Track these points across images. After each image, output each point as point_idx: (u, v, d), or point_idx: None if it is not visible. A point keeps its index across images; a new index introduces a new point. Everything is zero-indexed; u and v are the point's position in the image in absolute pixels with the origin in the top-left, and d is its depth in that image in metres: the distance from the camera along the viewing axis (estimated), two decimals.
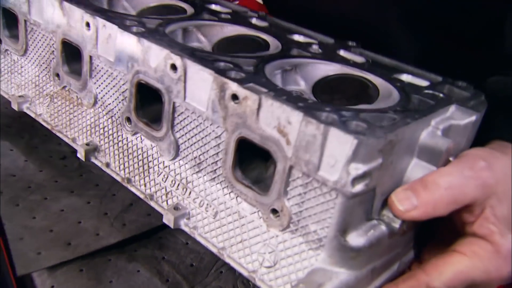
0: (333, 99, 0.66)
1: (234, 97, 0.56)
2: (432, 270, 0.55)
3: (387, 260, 0.59)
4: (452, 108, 0.61)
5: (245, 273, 0.58)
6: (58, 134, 0.83)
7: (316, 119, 0.49)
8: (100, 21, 0.71)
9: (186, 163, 0.66)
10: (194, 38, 0.81)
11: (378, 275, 0.59)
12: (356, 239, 0.53)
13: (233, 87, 0.56)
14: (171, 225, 0.64)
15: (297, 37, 0.82)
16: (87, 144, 0.76)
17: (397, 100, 0.61)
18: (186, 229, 0.64)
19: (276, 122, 0.52)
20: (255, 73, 0.60)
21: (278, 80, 0.66)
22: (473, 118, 0.61)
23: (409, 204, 0.53)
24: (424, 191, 0.53)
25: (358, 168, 0.48)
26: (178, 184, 0.67)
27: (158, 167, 0.69)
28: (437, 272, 0.55)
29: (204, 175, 0.64)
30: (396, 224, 0.54)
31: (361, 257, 0.54)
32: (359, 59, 0.74)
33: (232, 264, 0.59)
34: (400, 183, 0.57)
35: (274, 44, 0.77)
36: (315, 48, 0.76)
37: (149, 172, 0.70)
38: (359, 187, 0.49)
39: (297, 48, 0.74)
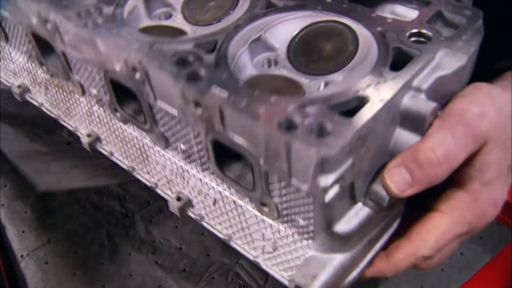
0: (310, 62, 0.61)
1: (197, 104, 0.53)
2: (416, 238, 0.56)
3: (384, 225, 0.59)
4: (440, 54, 0.55)
5: (250, 258, 0.61)
6: (62, 123, 0.84)
7: (278, 129, 0.46)
8: (56, 17, 0.67)
9: (178, 154, 0.66)
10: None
11: (377, 241, 0.60)
12: (343, 226, 0.54)
13: (192, 94, 0.53)
14: (178, 215, 0.67)
15: None
16: (88, 135, 0.78)
17: (374, 59, 0.55)
18: (193, 216, 0.67)
19: (242, 130, 0.50)
20: (216, 65, 0.56)
21: (246, 57, 0.61)
22: (463, 62, 0.54)
23: (404, 183, 0.51)
24: (418, 169, 0.51)
25: (327, 178, 0.46)
26: (176, 173, 0.68)
27: (155, 155, 0.70)
28: (421, 240, 0.55)
29: (196, 166, 0.65)
30: (384, 202, 0.54)
31: (353, 238, 0.55)
32: None
33: (238, 249, 0.62)
34: (385, 155, 0.55)
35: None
36: None
37: (148, 161, 0.72)
38: (332, 192, 0.48)
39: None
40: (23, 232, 0.83)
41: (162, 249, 0.80)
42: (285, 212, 0.55)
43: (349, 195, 0.53)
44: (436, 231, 0.55)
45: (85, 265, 0.77)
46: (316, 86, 0.58)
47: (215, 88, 0.52)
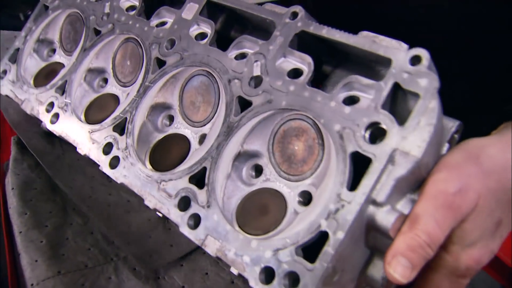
0: (290, 167, 0.65)
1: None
2: None
3: None
4: (394, 154, 0.55)
5: None
6: None
7: (260, 283, 0.57)
8: None
9: None
10: None
11: None
12: None
13: (195, 239, 0.64)
14: None
15: None
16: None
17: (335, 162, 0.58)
18: None
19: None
20: (208, 205, 0.65)
21: (232, 184, 0.68)
22: (417, 159, 0.53)
23: (406, 270, 0.57)
24: (413, 253, 0.56)
25: None
26: None
27: None
28: None
29: None
30: (378, 285, 0.61)
31: None
32: None
33: None
34: (365, 253, 0.60)
35: None
36: None
37: None
38: None
39: None
40: (36, 261, 0.86)
41: (165, 286, 0.83)
42: None
43: None
44: None
45: None
46: (295, 199, 0.63)
47: (209, 239, 0.63)
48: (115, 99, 0.88)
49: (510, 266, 0.74)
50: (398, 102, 0.59)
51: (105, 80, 0.93)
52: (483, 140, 0.61)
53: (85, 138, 0.83)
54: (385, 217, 0.55)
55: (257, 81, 0.69)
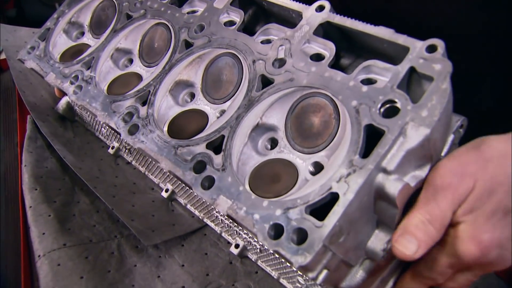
0: (303, 140, 0.69)
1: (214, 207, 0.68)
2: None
3: (394, 265, 0.69)
4: (406, 128, 0.59)
5: None
6: (148, 175, 1.05)
7: (269, 237, 0.59)
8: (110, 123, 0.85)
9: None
10: None
11: (392, 275, 0.70)
12: (349, 282, 0.65)
13: (208, 200, 0.67)
14: (238, 257, 0.84)
15: None
16: (166, 191, 0.97)
17: (349, 138, 0.62)
18: (250, 257, 0.83)
19: (247, 232, 0.64)
20: (223, 168, 0.69)
21: (249, 149, 0.72)
22: (427, 133, 0.58)
23: (413, 246, 0.60)
24: (417, 230, 0.60)
25: (312, 273, 0.58)
26: (231, 226, 0.84)
27: (215, 213, 0.87)
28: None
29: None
30: (378, 257, 0.63)
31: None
32: None
33: (286, 285, 0.78)
34: (371, 222, 0.63)
35: None
36: None
37: (212, 214, 0.89)
38: (322, 276, 0.59)
39: None
40: (43, 234, 0.89)
41: (165, 264, 0.86)
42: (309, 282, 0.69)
43: (345, 265, 0.63)
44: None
45: (93, 270, 0.83)
46: (307, 168, 0.67)
47: (221, 198, 0.65)
48: (139, 78, 0.92)
49: None
50: (412, 86, 0.64)
51: (131, 61, 0.97)
52: (489, 136, 0.65)
53: (106, 107, 0.86)
54: (393, 185, 0.58)
55: (281, 62, 0.74)
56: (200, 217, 0.92)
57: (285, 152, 0.70)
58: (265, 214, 0.61)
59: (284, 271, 0.76)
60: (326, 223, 0.57)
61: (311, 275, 0.58)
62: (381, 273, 0.69)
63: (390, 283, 0.70)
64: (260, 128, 0.72)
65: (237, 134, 0.71)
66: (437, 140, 0.61)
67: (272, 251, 0.59)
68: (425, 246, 0.60)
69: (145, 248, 0.90)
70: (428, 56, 0.62)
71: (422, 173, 0.62)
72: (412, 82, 0.64)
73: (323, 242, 0.56)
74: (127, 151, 1.07)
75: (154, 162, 0.95)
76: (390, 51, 0.68)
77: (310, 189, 0.61)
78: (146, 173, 1.04)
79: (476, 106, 0.66)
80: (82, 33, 1.10)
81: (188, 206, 0.95)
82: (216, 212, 0.86)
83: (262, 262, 0.81)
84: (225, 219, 0.84)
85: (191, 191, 0.88)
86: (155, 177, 1.02)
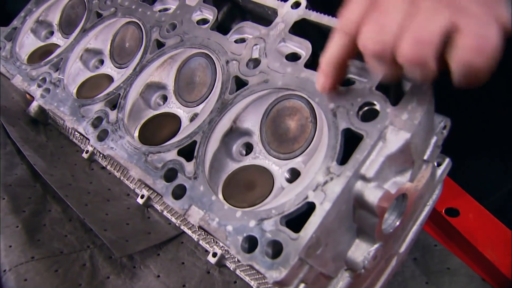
0: (280, 145, 0.65)
1: (184, 218, 0.64)
2: None
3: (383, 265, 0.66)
4: (385, 132, 0.55)
5: None
6: (123, 181, 1.01)
7: (242, 250, 0.56)
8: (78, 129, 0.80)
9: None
10: None
11: (383, 272, 0.66)
12: None
13: (178, 210, 0.63)
14: (215, 266, 0.80)
15: None
16: (142, 197, 0.93)
17: (326, 141, 0.58)
18: (228, 266, 0.80)
19: (219, 241, 0.60)
20: (195, 176, 0.65)
21: (223, 155, 0.68)
22: (407, 138, 0.54)
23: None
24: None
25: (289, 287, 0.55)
26: (207, 236, 0.80)
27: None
28: None
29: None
30: (359, 268, 0.60)
31: None
32: None
33: None
34: (351, 231, 0.60)
35: None
36: None
37: (188, 222, 0.85)
38: None
39: None
40: (10, 246, 0.84)
41: (140, 275, 0.82)
42: None
43: (324, 277, 0.60)
44: None
45: (62, 285, 0.78)
46: (283, 175, 0.63)
47: (193, 208, 0.62)
48: (110, 80, 0.88)
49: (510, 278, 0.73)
50: (392, 88, 0.61)
51: (101, 62, 0.93)
52: None
53: (74, 112, 0.82)
54: (372, 193, 0.55)
55: (255, 63, 0.70)
56: (177, 224, 0.89)
57: (261, 158, 0.67)
58: (239, 226, 0.58)
59: (263, 281, 0.73)
60: (302, 235, 0.54)
61: None
62: (363, 283, 0.65)
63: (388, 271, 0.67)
64: (234, 133, 0.69)
65: (210, 140, 0.67)
66: (419, 144, 0.58)
67: (245, 265, 0.56)
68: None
69: (119, 259, 0.85)
70: None
71: (403, 179, 0.59)
72: (391, 84, 0.61)
73: (299, 255, 0.53)
74: (101, 155, 1.02)
75: None
76: None
77: (285, 198, 0.58)
78: (122, 178, 0.99)
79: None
80: (51, 33, 1.06)
81: (165, 213, 0.91)
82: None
83: (240, 271, 0.78)
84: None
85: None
86: (130, 182, 0.97)
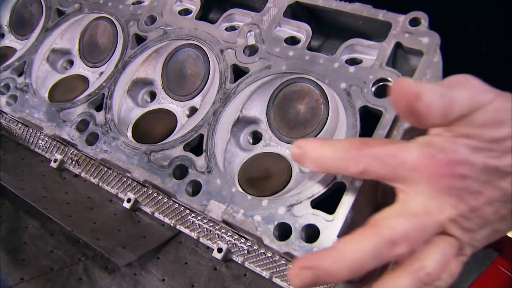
0: (290, 130, 0.65)
1: (203, 217, 0.62)
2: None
3: None
4: None
5: None
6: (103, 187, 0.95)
7: (275, 240, 0.55)
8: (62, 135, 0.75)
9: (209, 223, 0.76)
10: None
11: None
12: None
13: (197, 208, 0.61)
14: (221, 261, 0.78)
15: None
16: (128, 201, 0.89)
17: (344, 121, 0.59)
18: (236, 260, 0.78)
19: (246, 232, 0.59)
20: (208, 170, 0.63)
21: (232, 146, 0.66)
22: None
23: None
24: None
25: None
26: (211, 231, 0.78)
27: (191, 218, 0.80)
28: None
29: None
30: None
31: None
32: None
33: (280, 284, 0.74)
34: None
35: None
36: None
37: (185, 220, 0.82)
38: None
39: None
40: None
41: (143, 282, 0.78)
42: None
43: None
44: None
45: None
46: None
47: (212, 203, 0.60)
48: (84, 80, 0.82)
49: None
50: (399, 63, 0.62)
51: (71, 62, 0.87)
52: None
53: (53, 117, 0.76)
54: None
55: (252, 49, 0.68)
56: (171, 224, 0.85)
57: (272, 144, 0.66)
58: (267, 215, 0.57)
59: (278, 269, 0.72)
60: (337, 215, 0.54)
61: None
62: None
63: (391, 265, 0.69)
64: (241, 122, 0.67)
65: (217, 131, 0.65)
66: None
67: (281, 253, 0.55)
68: None
69: (117, 268, 0.81)
70: (413, 30, 0.60)
71: None
72: (398, 58, 0.62)
73: (338, 236, 0.53)
74: (74, 162, 0.96)
75: (110, 171, 0.86)
76: (366, 28, 0.66)
77: (312, 181, 0.57)
78: (100, 184, 0.94)
79: None
80: (2, 35, 0.97)
81: (156, 214, 0.87)
82: (192, 217, 0.79)
83: (249, 263, 0.77)
84: (204, 223, 0.78)
85: (159, 197, 0.80)
86: (111, 187, 0.92)
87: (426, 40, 0.59)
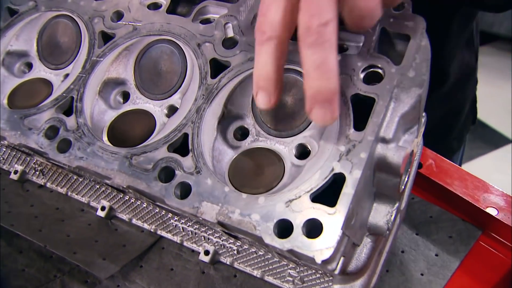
0: (278, 123, 0.63)
1: (196, 220, 0.58)
2: None
3: None
4: (395, 92, 0.56)
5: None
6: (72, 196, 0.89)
7: (276, 238, 0.53)
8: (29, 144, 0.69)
9: (193, 224, 0.73)
10: None
11: (384, 247, 0.68)
12: (355, 264, 0.62)
13: (188, 211, 0.58)
14: (209, 263, 0.75)
15: None
16: (102, 208, 0.84)
17: None
18: (224, 262, 0.75)
19: (243, 232, 0.56)
20: (197, 170, 0.59)
21: (220, 144, 0.63)
22: (419, 93, 0.56)
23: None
24: None
25: (332, 264, 0.53)
26: (196, 233, 0.75)
27: (173, 221, 0.77)
28: None
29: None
30: (384, 231, 0.61)
31: (365, 266, 0.63)
32: None
33: (273, 282, 0.72)
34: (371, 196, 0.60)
35: None
36: None
37: (167, 224, 0.78)
38: (340, 265, 0.55)
39: None
40: None
41: None
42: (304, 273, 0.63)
43: (353, 247, 0.60)
44: None
45: None
46: (291, 153, 0.61)
47: (205, 205, 0.57)
48: (47, 84, 0.76)
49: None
50: (384, 50, 0.62)
51: (29, 65, 0.80)
52: None
53: (16, 125, 0.70)
54: (395, 153, 0.55)
55: (231, 42, 0.66)
56: (151, 230, 0.81)
57: (261, 139, 0.63)
58: (265, 212, 0.55)
59: (270, 267, 0.70)
60: (338, 208, 0.52)
61: (330, 267, 0.54)
62: (379, 246, 0.66)
63: (384, 254, 0.68)
64: (227, 118, 0.64)
65: (203, 129, 0.62)
66: (423, 97, 0.59)
67: (285, 251, 0.53)
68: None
69: (98, 281, 0.76)
70: (397, 14, 0.59)
71: (411, 136, 0.60)
72: (383, 45, 0.61)
73: (342, 229, 0.51)
74: (37, 172, 0.89)
75: (81, 179, 0.81)
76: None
77: (308, 174, 0.56)
78: (69, 193, 0.88)
79: None
80: None
81: (134, 221, 0.83)
82: (175, 220, 0.76)
83: (239, 263, 0.74)
84: (188, 226, 0.74)
85: (138, 203, 0.76)
86: (82, 196, 0.87)
87: (412, 24, 0.58)
